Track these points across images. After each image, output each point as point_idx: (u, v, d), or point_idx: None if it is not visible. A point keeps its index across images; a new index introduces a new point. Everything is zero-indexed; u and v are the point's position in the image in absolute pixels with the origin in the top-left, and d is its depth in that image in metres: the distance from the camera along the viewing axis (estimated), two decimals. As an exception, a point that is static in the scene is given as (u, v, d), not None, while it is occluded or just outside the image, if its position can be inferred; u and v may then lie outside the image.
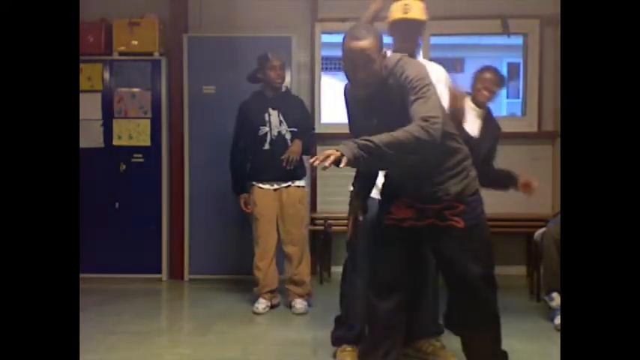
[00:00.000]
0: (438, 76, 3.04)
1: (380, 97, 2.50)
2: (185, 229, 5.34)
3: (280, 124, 4.26)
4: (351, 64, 2.47)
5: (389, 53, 2.56)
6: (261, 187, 4.28)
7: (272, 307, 4.34)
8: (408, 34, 3.08)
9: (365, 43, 2.42)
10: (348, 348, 3.23)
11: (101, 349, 3.49)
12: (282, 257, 4.41)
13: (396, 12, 3.08)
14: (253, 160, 4.30)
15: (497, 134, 3.71)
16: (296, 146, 4.23)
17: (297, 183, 4.33)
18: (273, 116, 4.26)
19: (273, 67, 4.27)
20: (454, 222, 2.61)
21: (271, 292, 4.33)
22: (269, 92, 4.33)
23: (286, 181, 4.28)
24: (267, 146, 4.24)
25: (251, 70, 4.44)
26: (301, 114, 4.44)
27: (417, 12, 3.06)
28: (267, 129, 4.25)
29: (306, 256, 4.37)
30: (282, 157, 4.20)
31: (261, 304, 4.27)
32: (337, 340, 3.30)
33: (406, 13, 3.04)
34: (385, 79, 2.47)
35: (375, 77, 2.47)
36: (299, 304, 4.27)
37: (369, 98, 2.53)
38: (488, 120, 3.69)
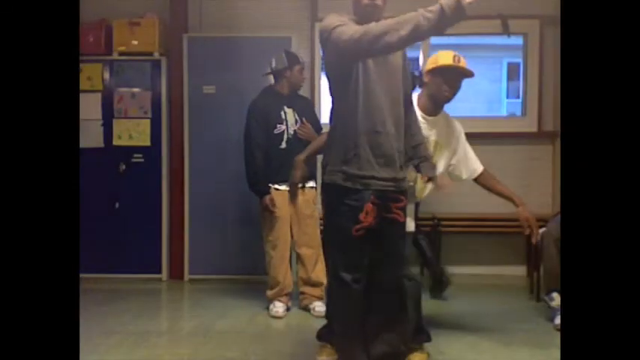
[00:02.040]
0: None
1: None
2: (185, 229, 5.35)
3: (296, 123, 4.23)
4: None
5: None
6: (277, 189, 4.19)
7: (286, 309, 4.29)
8: (455, 81, 3.21)
9: None
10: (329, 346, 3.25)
11: (101, 349, 3.49)
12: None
13: (445, 59, 3.20)
14: (268, 160, 4.18)
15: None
16: (310, 129, 4.25)
17: (311, 184, 4.28)
18: (289, 114, 4.22)
19: (303, 70, 4.27)
20: (397, 215, 2.63)
21: (287, 294, 4.29)
22: (284, 90, 4.29)
23: (301, 182, 4.20)
24: (283, 145, 4.18)
25: (275, 65, 4.30)
26: (312, 114, 4.43)
27: (465, 63, 3.21)
28: (283, 127, 4.19)
29: (321, 256, 4.27)
30: (299, 133, 4.18)
31: (281, 308, 4.21)
32: (320, 336, 3.31)
33: (458, 62, 3.19)
34: None
35: None
36: (319, 306, 4.20)
37: None
38: None
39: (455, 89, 3.22)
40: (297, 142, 4.20)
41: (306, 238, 4.24)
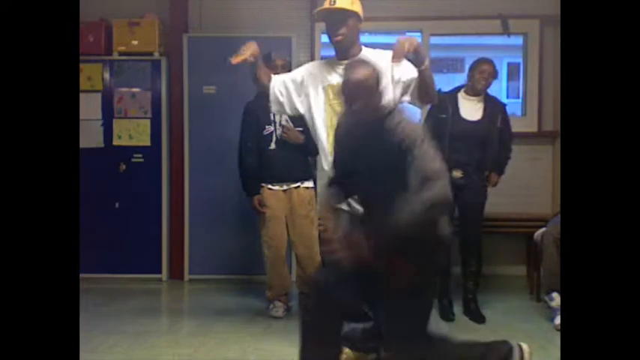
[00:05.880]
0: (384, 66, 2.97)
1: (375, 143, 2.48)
2: (185, 229, 5.35)
3: (287, 124, 4.20)
4: (350, 94, 2.50)
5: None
6: (270, 189, 4.20)
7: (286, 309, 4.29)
8: (333, 24, 3.13)
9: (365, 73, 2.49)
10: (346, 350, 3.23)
11: (101, 349, 3.49)
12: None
13: (324, 3, 3.15)
14: (260, 161, 4.21)
15: (501, 117, 4.20)
16: (294, 133, 4.18)
17: (306, 184, 4.26)
18: (278, 116, 4.16)
19: (275, 66, 4.22)
20: None
21: (285, 294, 4.30)
22: None
23: (295, 182, 4.21)
24: (272, 146, 4.18)
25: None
26: None
27: (343, 3, 3.09)
28: (272, 128, 4.19)
29: (318, 257, 4.25)
30: (283, 137, 4.15)
31: (280, 308, 4.22)
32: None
33: (332, 4, 3.09)
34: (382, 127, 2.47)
35: (374, 111, 2.50)
36: None
37: (363, 138, 2.52)
38: (488, 105, 4.17)
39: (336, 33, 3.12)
40: (287, 142, 4.19)
41: (301, 238, 4.23)
